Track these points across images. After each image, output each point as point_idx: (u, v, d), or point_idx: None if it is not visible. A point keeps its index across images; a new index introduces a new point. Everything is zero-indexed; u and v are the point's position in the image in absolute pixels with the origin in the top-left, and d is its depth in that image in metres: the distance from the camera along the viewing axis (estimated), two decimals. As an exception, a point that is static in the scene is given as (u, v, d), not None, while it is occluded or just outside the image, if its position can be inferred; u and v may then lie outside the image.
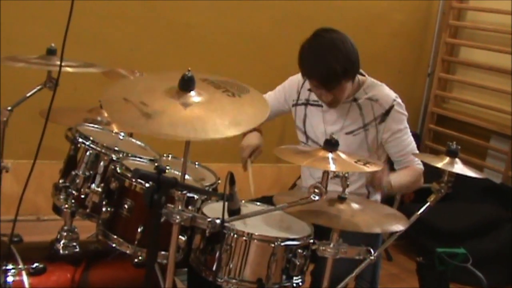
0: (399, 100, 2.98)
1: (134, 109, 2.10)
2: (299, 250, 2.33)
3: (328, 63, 2.75)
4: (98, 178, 2.60)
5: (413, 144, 3.01)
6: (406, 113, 3.00)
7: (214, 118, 2.12)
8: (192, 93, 2.16)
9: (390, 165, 3.02)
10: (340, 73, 2.77)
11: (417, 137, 3.04)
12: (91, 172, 2.63)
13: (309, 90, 3.06)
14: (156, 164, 2.50)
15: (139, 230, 2.43)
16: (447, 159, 2.42)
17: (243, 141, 3.06)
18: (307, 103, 3.09)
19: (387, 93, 2.98)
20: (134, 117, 2.08)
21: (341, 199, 2.38)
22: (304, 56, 2.84)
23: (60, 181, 2.69)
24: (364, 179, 3.01)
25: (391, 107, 2.94)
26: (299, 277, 2.39)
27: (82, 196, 2.61)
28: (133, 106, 2.11)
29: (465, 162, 2.46)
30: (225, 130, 2.09)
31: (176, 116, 2.09)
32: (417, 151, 3.03)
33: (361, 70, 2.97)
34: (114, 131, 2.95)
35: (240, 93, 2.29)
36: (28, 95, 2.71)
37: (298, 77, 3.13)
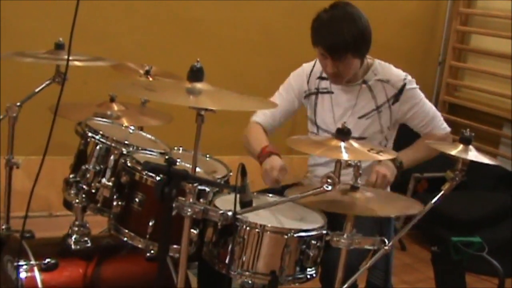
0: (409, 77, 2.99)
1: (140, 88, 2.25)
2: (313, 241, 2.31)
3: (340, 32, 2.75)
4: (108, 172, 2.59)
5: (432, 110, 3.03)
6: (417, 85, 3.01)
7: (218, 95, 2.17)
8: (199, 84, 2.17)
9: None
10: (350, 45, 2.76)
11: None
12: (101, 166, 2.61)
13: (319, 78, 3.05)
14: (166, 157, 2.49)
15: (150, 223, 2.41)
16: (461, 146, 2.40)
17: (265, 164, 2.76)
18: (317, 92, 3.07)
19: (397, 73, 2.99)
20: (139, 91, 2.26)
21: (354, 188, 2.37)
22: (317, 23, 2.83)
23: (71, 176, 2.68)
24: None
25: (403, 85, 2.94)
26: (313, 268, 2.37)
27: (93, 191, 2.60)
28: (139, 86, 2.26)
29: (479, 150, 2.43)
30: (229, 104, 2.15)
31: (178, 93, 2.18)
32: (438, 115, 3.05)
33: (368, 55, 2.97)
34: (124, 125, 2.93)
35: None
36: (37, 90, 2.71)
37: (303, 69, 3.12)
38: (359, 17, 2.80)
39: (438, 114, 3.06)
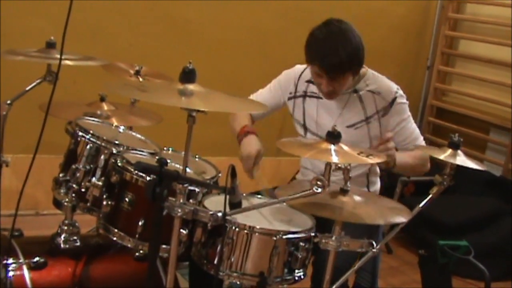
0: (400, 91, 2.98)
1: (132, 88, 2.25)
2: (301, 243, 2.32)
3: (338, 53, 2.73)
4: (98, 172, 2.59)
5: (416, 130, 3.04)
6: (407, 101, 3.01)
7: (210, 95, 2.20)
8: (191, 85, 2.19)
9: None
10: (346, 65, 2.76)
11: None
12: (91, 165, 2.62)
13: (307, 81, 3.05)
14: (157, 157, 2.49)
15: (140, 223, 2.42)
16: (449, 151, 2.41)
17: (242, 151, 2.84)
18: (305, 95, 3.07)
19: (389, 85, 2.99)
20: (131, 91, 2.26)
21: (344, 191, 2.38)
22: (313, 42, 2.82)
23: (61, 175, 2.68)
24: (364, 168, 3.03)
25: (394, 99, 2.94)
26: (301, 270, 2.38)
27: (83, 190, 2.60)
28: (132, 87, 2.27)
29: (466, 155, 2.45)
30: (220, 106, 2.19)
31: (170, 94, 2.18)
32: (421, 136, 3.04)
33: None
34: (114, 125, 2.94)
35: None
36: (27, 88, 2.70)
37: (294, 70, 3.13)
38: (353, 35, 2.79)
39: (421, 136, 3.06)
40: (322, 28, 2.82)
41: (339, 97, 2.96)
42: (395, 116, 2.95)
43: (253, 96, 3.17)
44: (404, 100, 2.99)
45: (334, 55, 2.74)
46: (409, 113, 3.01)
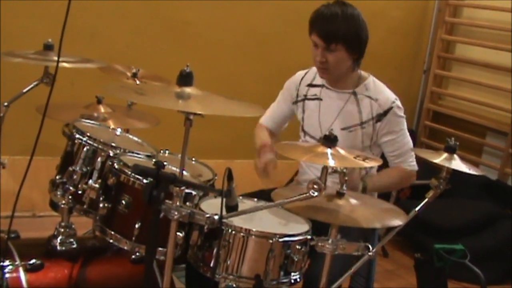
0: (398, 102, 2.99)
1: (129, 91, 2.28)
2: (297, 246, 2.33)
3: (337, 23, 2.82)
4: (95, 174, 2.59)
5: (407, 146, 3.01)
6: (404, 115, 3.01)
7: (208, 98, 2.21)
8: (188, 88, 2.20)
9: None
10: (343, 34, 2.82)
11: (412, 134, 3.13)
12: (88, 168, 2.62)
13: (308, 85, 3.08)
14: (154, 160, 2.49)
15: (136, 226, 2.42)
16: (445, 155, 2.42)
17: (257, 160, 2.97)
18: (305, 98, 3.10)
19: (387, 94, 3.00)
20: (129, 94, 2.30)
21: (340, 194, 2.38)
22: (319, 12, 2.88)
23: (57, 177, 2.69)
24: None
25: (390, 108, 2.95)
26: (297, 273, 2.38)
27: (79, 192, 2.61)
28: (129, 89, 2.31)
29: (462, 159, 2.45)
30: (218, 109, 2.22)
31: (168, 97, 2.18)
32: (411, 156, 3.04)
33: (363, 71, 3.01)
34: (111, 127, 2.93)
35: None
36: (24, 90, 2.69)
37: (295, 77, 3.17)
38: (359, 18, 2.88)
39: (412, 151, 3.04)
40: (330, 4, 2.89)
41: (339, 98, 3.00)
42: (387, 126, 2.97)
43: (266, 111, 3.27)
44: (401, 114, 2.99)
45: (333, 23, 2.82)
46: (403, 128, 3.01)
